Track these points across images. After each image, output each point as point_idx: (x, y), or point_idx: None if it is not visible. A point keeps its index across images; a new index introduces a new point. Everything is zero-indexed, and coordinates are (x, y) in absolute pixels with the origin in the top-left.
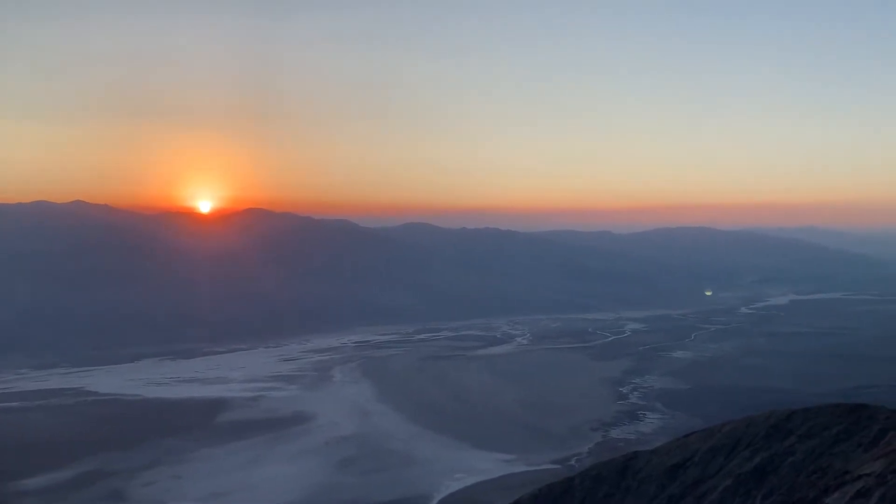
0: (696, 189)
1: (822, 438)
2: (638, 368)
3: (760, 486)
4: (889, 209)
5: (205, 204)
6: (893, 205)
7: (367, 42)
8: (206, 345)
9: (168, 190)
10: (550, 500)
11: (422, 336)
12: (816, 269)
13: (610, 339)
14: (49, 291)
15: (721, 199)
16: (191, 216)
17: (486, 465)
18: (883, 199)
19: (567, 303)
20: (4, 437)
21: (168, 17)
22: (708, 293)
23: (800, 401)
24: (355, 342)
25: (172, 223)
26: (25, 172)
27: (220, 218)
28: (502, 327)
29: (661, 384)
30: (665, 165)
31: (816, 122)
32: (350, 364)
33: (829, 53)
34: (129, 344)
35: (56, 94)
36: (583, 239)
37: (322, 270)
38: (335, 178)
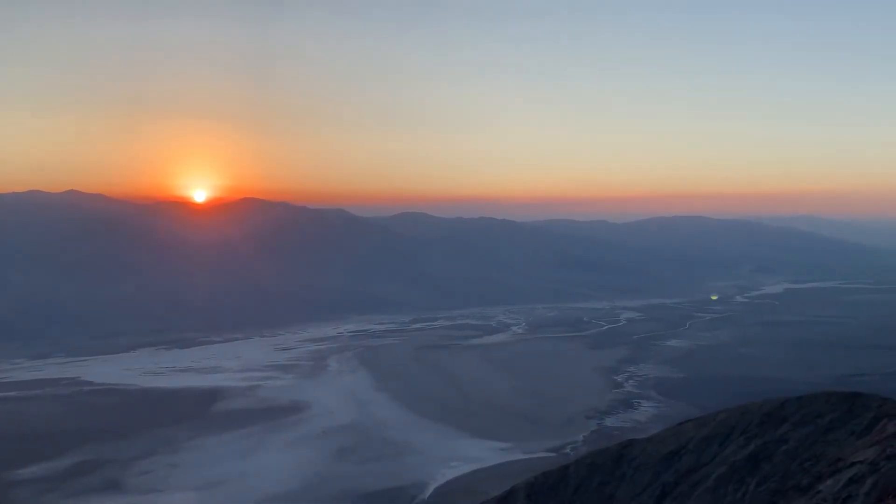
0: (692, 178)
1: (815, 426)
2: (633, 357)
3: (754, 474)
4: (885, 198)
5: (200, 193)
6: (889, 194)
7: (362, 33)
8: (202, 334)
9: (162, 179)
10: (546, 488)
11: (418, 325)
12: (811, 257)
13: (605, 328)
14: (44, 281)
15: (717, 187)
16: (186, 206)
17: (482, 454)
18: (879, 189)
19: (563, 292)
20: (0, 427)
21: (163, 9)
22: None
23: (793, 389)
24: (351, 331)
25: (167, 213)
26: (19, 162)
27: (216, 207)
28: (498, 316)
29: (656, 373)
30: (661, 154)
31: (813, 111)
32: (346, 353)
33: (825, 45)
34: (124, 333)
35: (51, 85)
36: (578, 228)
37: (317, 260)
38: (330, 167)
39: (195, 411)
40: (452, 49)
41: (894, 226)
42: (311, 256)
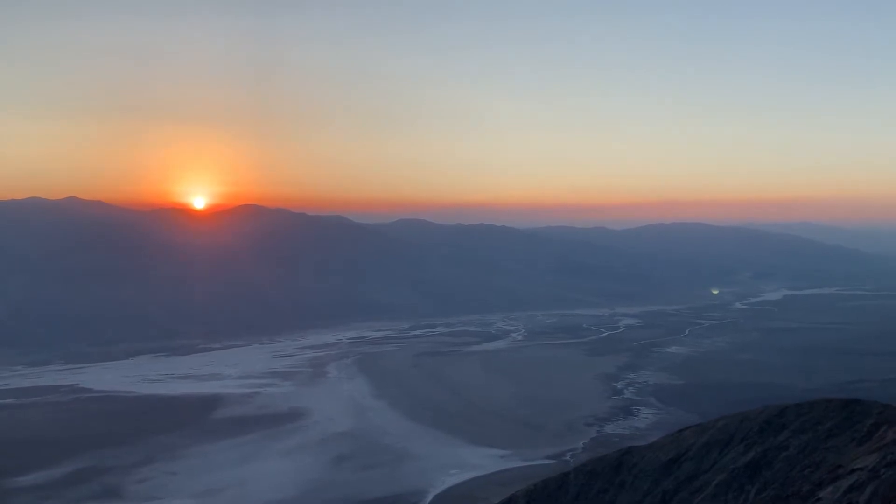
0: (691, 185)
1: (815, 433)
2: (632, 364)
3: (754, 481)
4: (883, 205)
5: (199, 200)
6: (888, 200)
7: (360, 39)
8: (201, 341)
9: (162, 186)
10: (545, 496)
11: (417, 332)
12: (810, 264)
13: (604, 334)
14: (43, 288)
15: (716, 194)
16: (185, 213)
17: (481, 461)
18: (877, 195)
19: (562, 298)
20: None
21: (162, 14)
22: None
23: (793, 396)
24: (350, 338)
25: (166, 220)
26: (19, 169)
27: (214, 214)
28: (497, 323)
29: (656, 379)
30: (660, 161)
31: (811, 117)
32: (345, 360)
33: (825, 50)
34: (123, 340)
35: (50, 90)
36: (578, 235)
37: (316, 266)
38: (329, 174)
39: (194, 418)
40: (451, 55)
41: (893, 232)
42: (309, 263)
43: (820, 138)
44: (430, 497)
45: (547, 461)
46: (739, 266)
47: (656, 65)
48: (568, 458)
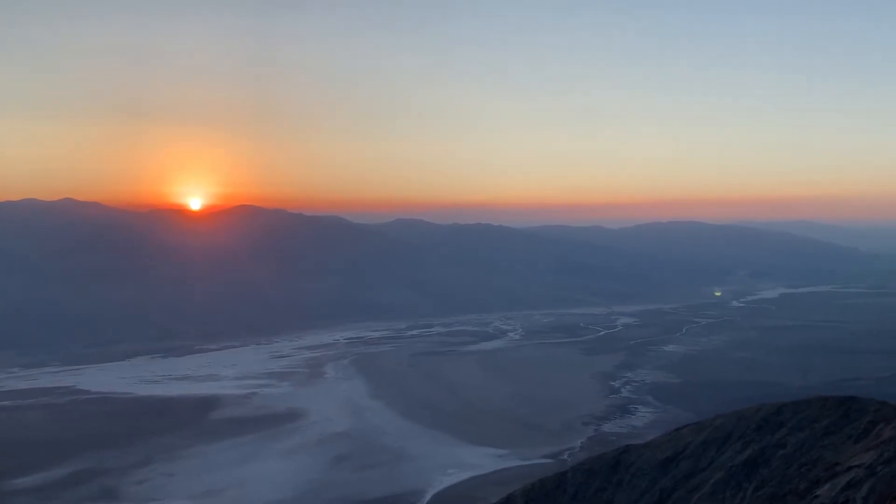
0: (688, 184)
1: (812, 431)
2: (629, 363)
3: (751, 479)
4: (879, 203)
5: (195, 201)
6: (884, 199)
7: (358, 38)
8: (198, 342)
9: (158, 187)
10: (543, 495)
11: (414, 332)
12: (807, 262)
13: (601, 333)
14: (39, 289)
15: (712, 193)
16: (181, 213)
17: (479, 461)
18: (873, 193)
19: (559, 297)
20: None
21: (160, 14)
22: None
23: (790, 394)
24: (347, 338)
25: (163, 220)
26: (15, 170)
27: (211, 215)
28: (494, 322)
29: (653, 378)
30: (657, 160)
31: (808, 116)
32: (342, 360)
33: (819, 48)
34: (120, 342)
35: (46, 92)
36: (574, 234)
37: (313, 267)
38: (326, 174)
39: (192, 419)
40: (451, 55)
41: (889, 230)
42: (307, 263)
43: (816, 137)
44: (428, 497)
45: (545, 460)
46: (736, 264)
47: (655, 64)
48: (566, 457)
